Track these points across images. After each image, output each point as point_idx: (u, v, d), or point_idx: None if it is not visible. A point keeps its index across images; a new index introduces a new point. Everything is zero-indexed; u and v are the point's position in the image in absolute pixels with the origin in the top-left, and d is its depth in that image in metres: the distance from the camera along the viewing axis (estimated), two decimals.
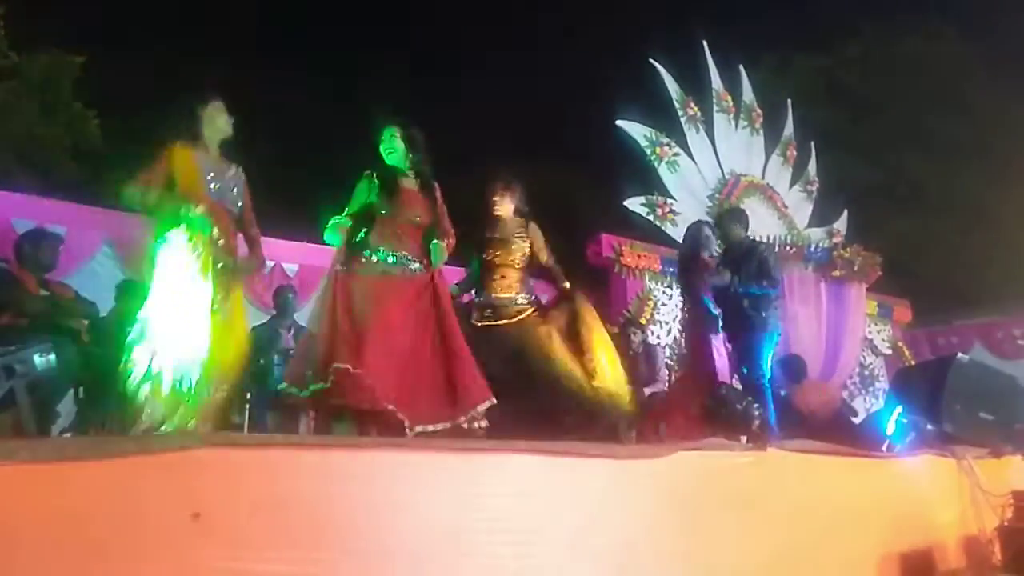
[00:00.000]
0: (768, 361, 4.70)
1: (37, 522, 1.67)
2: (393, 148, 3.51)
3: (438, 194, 3.57)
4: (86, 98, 10.40)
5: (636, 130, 8.91)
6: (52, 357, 3.08)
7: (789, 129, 10.79)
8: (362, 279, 3.24)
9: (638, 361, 6.03)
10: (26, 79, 9.76)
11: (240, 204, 3.21)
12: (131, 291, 5.06)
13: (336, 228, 3.30)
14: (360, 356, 2.99)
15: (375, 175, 3.45)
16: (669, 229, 8.73)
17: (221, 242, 2.97)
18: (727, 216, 5.14)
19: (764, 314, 4.62)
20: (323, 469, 2.10)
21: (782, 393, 6.07)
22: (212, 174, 3.09)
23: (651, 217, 8.64)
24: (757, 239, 5.08)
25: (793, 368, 6.13)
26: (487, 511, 2.30)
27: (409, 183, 3.50)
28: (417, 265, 3.38)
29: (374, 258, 3.31)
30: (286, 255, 6.74)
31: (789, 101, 10.97)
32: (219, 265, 2.90)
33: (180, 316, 2.64)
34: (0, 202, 5.77)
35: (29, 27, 9.51)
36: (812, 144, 11.02)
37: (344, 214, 3.37)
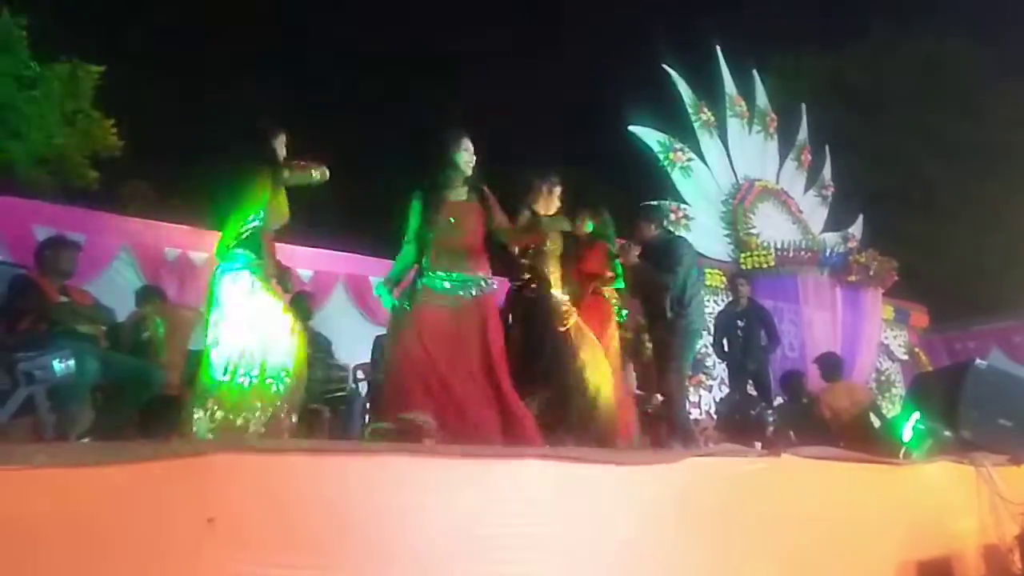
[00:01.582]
0: (687, 364, 4.57)
1: (54, 525, 1.70)
2: (471, 158, 3.35)
3: (492, 200, 3.40)
4: (105, 107, 10.56)
5: (649, 136, 8.91)
6: (71, 363, 3.12)
7: (803, 133, 10.74)
8: (418, 312, 3.17)
9: (651, 367, 6.01)
10: (47, 88, 9.91)
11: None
12: (149, 297, 5.14)
13: (386, 290, 3.31)
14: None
15: (420, 195, 3.34)
16: (683, 234, 8.70)
17: (273, 261, 3.14)
18: (639, 214, 4.84)
19: (684, 311, 4.39)
20: (337, 474, 2.12)
21: (804, 401, 6.01)
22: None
23: (665, 223, 8.62)
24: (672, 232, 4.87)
25: (829, 365, 6.04)
26: (498, 517, 2.31)
27: (458, 195, 3.34)
28: (476, 283, 3.26)
29: (428, 285, 3.21)
30: (301, 261, 6.79)
31: (803, 105, 10.92)
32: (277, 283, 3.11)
33: (260, 332, 2.86)
34: (21, 209, 5.86)
35: (51, 38, 9.67)
36: (827, 148, 10.95)
37: (405, 243, 3.32)
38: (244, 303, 2.90)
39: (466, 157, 3.36)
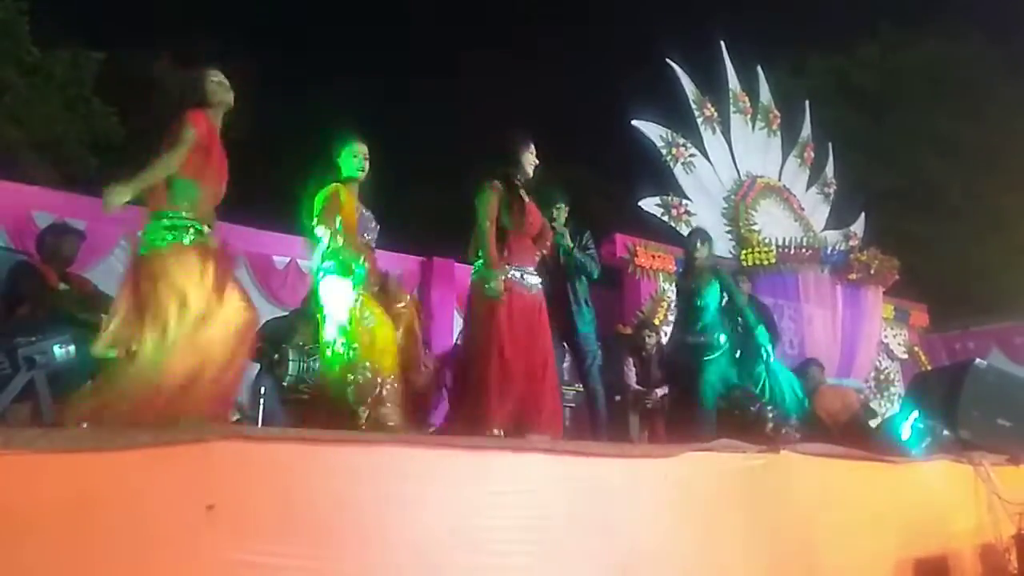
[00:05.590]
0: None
1: (54, 510, 1.70)
2: (534, 160, 3.43)
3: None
4: (106, 94, 10.52)
5: (652, 130, 8.88)
6: (72, 348, 3.11)
7: (807, 130, 10.71)
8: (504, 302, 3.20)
9: (651, 362, 6.01)
10: (48, 75, 9.88)
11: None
12: None
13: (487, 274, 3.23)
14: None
15: (501, 187, 3.33)
16: (684, 230, 8.68)
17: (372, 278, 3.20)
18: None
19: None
20: (336, 464, 2.12)
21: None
22: (360, 212, 3.28)
23: (666, 218, 8.61)
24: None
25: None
26: (498, 508, 2.31)
27: (528, 196, 3.42)
28: (536, 279, 3.37)
29: (506, 275, 3.23)
30: (304, 252, 6.75)
31: (807, 102, 10.89)
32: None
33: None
34: (21, 195, 5.83)
35: (52, 24, 9.63)
36: (830, 146, 10.93)
37: (481, 231, 3.27)
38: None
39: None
